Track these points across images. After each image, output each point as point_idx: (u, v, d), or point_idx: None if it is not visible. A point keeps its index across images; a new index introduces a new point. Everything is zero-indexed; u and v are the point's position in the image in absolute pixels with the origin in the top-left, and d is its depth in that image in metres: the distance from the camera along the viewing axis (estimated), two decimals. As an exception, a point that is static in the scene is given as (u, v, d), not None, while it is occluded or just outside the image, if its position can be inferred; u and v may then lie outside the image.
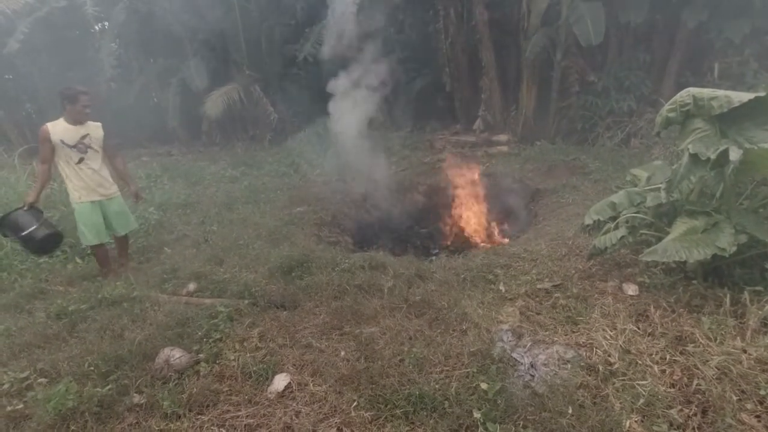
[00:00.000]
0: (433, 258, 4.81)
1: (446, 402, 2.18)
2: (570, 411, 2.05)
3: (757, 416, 1.93)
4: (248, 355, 2.66)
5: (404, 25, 12.24)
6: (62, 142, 3.72)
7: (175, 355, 2.59)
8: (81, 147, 3.82)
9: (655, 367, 2.27)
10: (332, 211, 6.07)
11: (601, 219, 3.61)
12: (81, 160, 3.82)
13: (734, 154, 2.37)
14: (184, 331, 2.90)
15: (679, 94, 2.73)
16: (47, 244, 3.92)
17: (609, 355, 2.39)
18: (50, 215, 5.08)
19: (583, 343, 2.54)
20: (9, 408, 2.29)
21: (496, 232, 6.10)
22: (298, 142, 10.24)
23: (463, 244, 5.77)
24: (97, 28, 12.05)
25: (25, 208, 3.77)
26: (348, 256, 4.03)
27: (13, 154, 6.75)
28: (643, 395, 2.08)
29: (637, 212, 3.26)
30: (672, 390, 2.13)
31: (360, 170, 7.85)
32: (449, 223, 6.44)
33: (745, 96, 2.40)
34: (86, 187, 3.88)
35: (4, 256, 4.45)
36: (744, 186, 3.20)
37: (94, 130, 3.92)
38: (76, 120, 3.80)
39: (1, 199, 5.27)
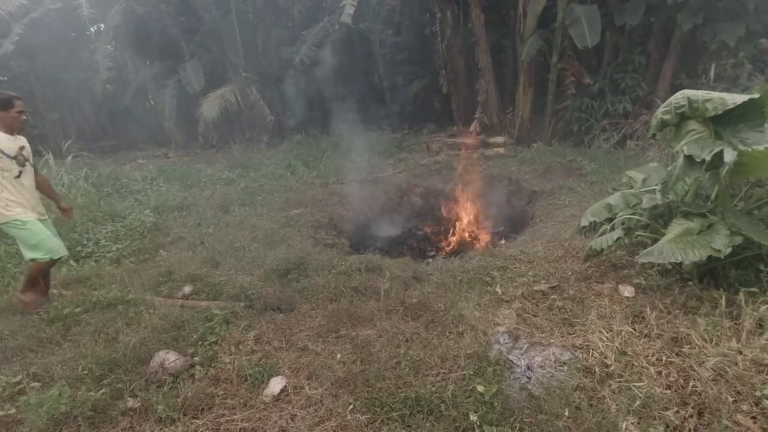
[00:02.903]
0: (430, 260, 4.81)
1: (443, 405, 2.17)
2: (566, 413, 2.05)
3: (753, 417, 1.93)
4: (244, 358, 2.65)
5: (401, 28, 12.28)
6: (2, 152, 3.20)
7: (170, 358, 2.57)
8: (20, 159, 3.31)
9: (651, 369, 2.27)
10: (329, 213, 6.06)
11: (598, 221, 3.63)
12: (20, 174, 3.32)
13: (729, 156, 2.38)
14: (179, 335, 2.88)
15: (673, 96, 2.75)
16: None
17: (605, 357, 2.39)
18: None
19: (580, 344, 2.54)
20: (1, 413, 2.27)
21: (492, 234, 6.10)
22: (295, 144, 10.24)
23: (459, 246, 5.76)
24: (92, 30, 12.03)
25: None
26: (344, 259, 4.02)
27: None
28: (640, 397, 2.08)
29: (633, 214, 3.27)
30: (668, 391, 2.13)
31: (357, 172, 7.86)
32: (446, 225, 6.44)
33: (739, 98, 2.42)
34: (27, 204, 3.38)
35: (-2, 259, 4.42)
36: (739, 187, 3.21)
37: (26, 142, 3.43)
38: (12, 128, 3.31)
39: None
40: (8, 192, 3.28)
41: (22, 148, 3.35)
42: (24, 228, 3.33)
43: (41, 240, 3.37)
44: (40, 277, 3.50)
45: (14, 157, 3.28)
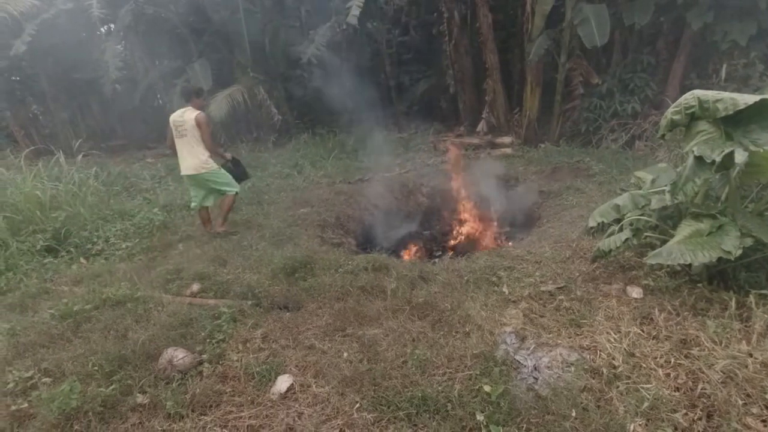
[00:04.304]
0: (437, 260, 4.80)
1: (449, 404, 2.17)
2: (573, 414, 2.05)
3: (763, 420, 1.91)
4: (251, 356, 2.67)
5: (408, 28, 12.27)
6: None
7: (179, 355, 2.59)
8: None
9: (660, 371, 2.26)
10: (336, 212, 6.08)
11: (606, 221, 3.61)
12: None
13: (740, 157, 2.35)
14: (187, 332, 2.91)
15: (683, 97, 2.72)
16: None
17: (613, 358, 2.38)
18: (56, 215, 5.12)
19: (587, 346, 2.53)
20: (13, 407, 2.31)
21: (499, 234, 6.08)
22: (302, 144, 10.27)
23: (466, 246, 5.76)
24: (103, 30, 12.14)
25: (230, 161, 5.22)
26: (351, 258, 4.03)
27: (19, 155, 6.79)
28: (648, 399, 2.07)
29: (642, 215, 3.25)
30: (677, 394, 2.12)
31: (364, 172, 7.87)
32: (453, 225, 6.43)
33: (750, 98, 2.39)
34: None
35: (10, 256, 4.48)
36: (749, 189, 3.18)
37: None
38: (203, 109, 4.85)
39: (8, 199, 5.30)
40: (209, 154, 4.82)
41: None
42: (222, 173, 4.97)
43: (227, 179, 5.00)
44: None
45: None
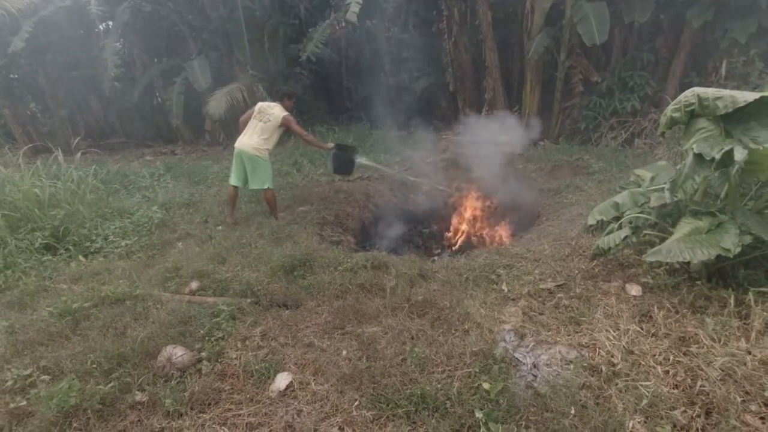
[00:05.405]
0: (436, 258, 4.80)
1: (448, 402, 2.17)
2: (572, 411, 2.05)
3: (762, 418, 1.92)
4: (250, 353, 2.67)
5: (408, 25, 12.24)
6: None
7: (178, 353, 2.59)
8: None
9: (659, 368, 2.26)
10: (335, 210, 6.07)
11: (605, 219, 3.61)
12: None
13: (739, 155, 2.35)
14: (186, 330, 2.90)
15: (683, 94, 2.71)
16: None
17: (612, 356, 2.38)
18: (55, 213, 5.11)
19: (586, 343, 2.54)
20: (12, 405, 2.30)
21: (498, 232, 6.08)
22: (301, 142, 10.24)
23: (465, 244, 5.75)
24: (101, 27, 12.07)
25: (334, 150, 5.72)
26: (350, 256, 4.03)
27: (17, 153, 6.77)
28: (647, 396, 2.07)
29: (641, 213, 3.25)
30: (675, 391, 2.12)
31: (363, 170, 7.85)
32: (452, 223, 6.42)
33: (750, 96, 2.38)
34: None
35: (9, 254, 4.47)
36: (749, 186, 3.18)
37: None
38: (290, 111, 5.31)
39: (7, 197, 5.28)
40: (272, 146, 5.30)
41: None
42: (268, 164, 5.33)
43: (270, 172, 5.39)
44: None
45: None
